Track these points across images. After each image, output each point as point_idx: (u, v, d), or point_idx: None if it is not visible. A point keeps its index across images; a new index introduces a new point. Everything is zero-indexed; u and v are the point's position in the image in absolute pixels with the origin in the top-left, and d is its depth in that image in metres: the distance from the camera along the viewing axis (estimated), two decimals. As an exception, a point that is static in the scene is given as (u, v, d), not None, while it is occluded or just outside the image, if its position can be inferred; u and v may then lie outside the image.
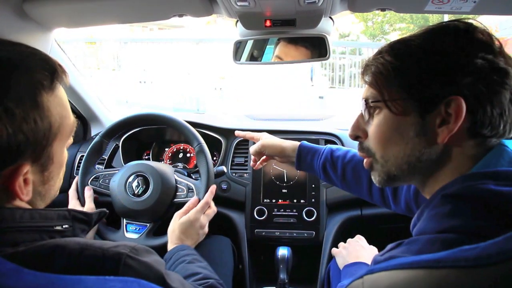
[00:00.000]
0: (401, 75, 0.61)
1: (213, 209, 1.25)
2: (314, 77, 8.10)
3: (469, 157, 0.59)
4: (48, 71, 0.57)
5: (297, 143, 1.16)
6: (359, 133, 0.72)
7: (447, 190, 0.56)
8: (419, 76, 0.59)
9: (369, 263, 0.78)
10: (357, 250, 1.16)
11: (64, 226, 0.60)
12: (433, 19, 13.93)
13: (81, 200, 1.33)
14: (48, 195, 0.65)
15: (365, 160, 0.72)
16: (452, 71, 0.57)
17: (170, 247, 1.12)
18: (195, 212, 1.18)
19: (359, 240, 1.21)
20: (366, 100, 0.67)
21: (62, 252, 0.53)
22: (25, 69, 0.54)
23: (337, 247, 1.26)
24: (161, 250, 1.07)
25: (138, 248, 0.59)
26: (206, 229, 1.20)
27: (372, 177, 0.72)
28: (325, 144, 1.56)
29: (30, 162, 0.56)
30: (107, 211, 0.75)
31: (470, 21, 0.62)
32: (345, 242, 1.26)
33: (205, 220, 1.20)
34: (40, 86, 0.55)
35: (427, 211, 0.58)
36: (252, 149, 1.22)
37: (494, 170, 0.55)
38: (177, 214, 1.19)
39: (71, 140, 0.68)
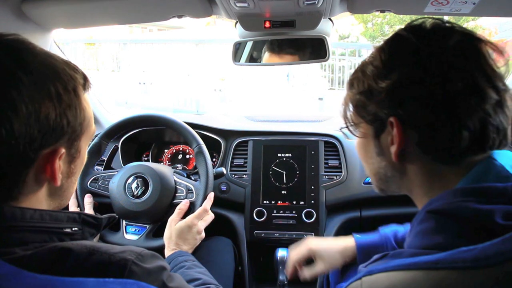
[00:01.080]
0: (353, 102, 0.67)
1: (210, 215, 1.24)
2: (290, 78, 8.47)
3: (444, 173, 0.59)
4: (81, 73, 0.63)
5: (350, 243, 1.02)
6: None
7: (431, 206, 0.56)
8: (362, 101, 0.64)
9: None
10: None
11: (73, 229, 0.61)
12: (433, 21, 13.90)
13: (81, 207, 1.32)
14: (67, 194, 0.67)
15: None
16: (387, 94, 0.59)
17: (167, 253, 1.11)
18: (192, 218, 1.17)
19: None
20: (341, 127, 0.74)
21: (69, 255, 0.53)
22: (67, 65, 0.61)
23: None
24: (160, 252, 1.07)
25: (144, 255, 0.59)
26: (203, 234, 1.20)
27: None
28: (324, 146, 1.56)
29: (65, 147, 0.60)
30: (116, 216, 0.77)
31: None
32: None
33: (202, 225, 1.19)
34: (77, 80, 0.61)
35: (414, 226, 0.58)
36: (295, 255, 1.06)
37: (477, 186, 0.54)
38: (171, 220, 1.18)
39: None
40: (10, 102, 0.51)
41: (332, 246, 1.04)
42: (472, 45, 0.58)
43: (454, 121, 0.55)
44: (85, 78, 0.64)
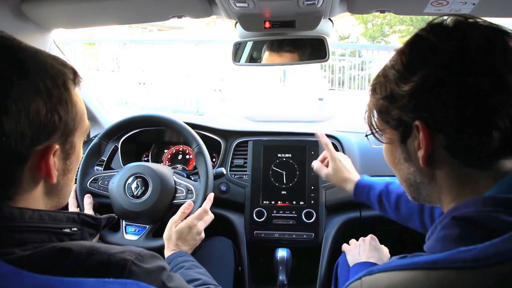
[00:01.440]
0: (377, 108, 0.65)
1: (210, 215, 1.24)
2: (285, 79, 8.50)
3: (478, 178, 0.56)
4: (70, 69, 0.63)
5: (358, 177, 1.22)
6: None
7: (458, 212, 0.54)
8: (386, 106, 0.63)
9: (380, 263, 0.77)
10: (369, 250, 1.16)
11: (73, 229, 0.61)
12: (433, 21, 13.92)
13: (81, 207, 1.32)
14: (64, 192, 0.66)
15: None
16: (410, 97, 0.58)
17: (167, 253, 1.11)
18: (192, 218, 1.17)
19: (372, 240, 1.20)
20: (366, 133, 0.74)
21: (68, 255, 0.53)
22: (55, 60, 0.60)
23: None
24: (160, 252, 1.07)
25: (144, 255, 0.59)
26: (203, 235, 1.20)
27: None
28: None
29: (59, 143, 0.60)
30: (116, 216, 0.77)
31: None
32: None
33: (202, 226, 1.19)
34: (68, 77, 0.61)
35: (437, 230, 0.56)
36: (319, 168, 1.30)
37: (509, 197, 0.51)
38: (172, 222, 1.18)
39: None
40: None
41: (344, 174, 1.24)
42: (497, 40, 0.56)
43: (483, 121, 0.53)
44: (75, 73, 0.63)
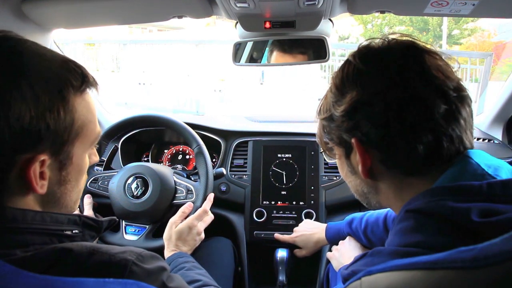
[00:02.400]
0: (321, 127, 0.71)
1: (210, 216, 1.24)
2: (264, 79, 8.71)
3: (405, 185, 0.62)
4: (80, 75, 0.60)
5: (322, 235, 1.27)
6: None
7: (410, 205, 0.57)
8: (328, 126, 0.68)
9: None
10: (350, 250, 1.16)
11: (74, 231, 0.60)
12: (433, 22, 13.99)
13: (80, 208, 1.32)
14: (63, 202, 0.63)
15: None
16: (344, 118, 0.63)
17: (167, 254, 1.11)
18: (192, 219, 1.17)
19: (350, 241, 1.20)
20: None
21: (69, 255, 0.53)
22: (58, 65, 0.57)
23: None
24: (160, 252, 1.07)
25: (144, 255, 0.59)
26: (203, 235, 1.20)
27: None
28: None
29: (49, 154, 0.56)
30: (117, 219, 0.76)
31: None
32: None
33: (202, 226, 1.19)
34: (69, 83, 0.57)
35: (394, 225, 0.59)
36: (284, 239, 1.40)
37: (454, 185, 0.55)
38: (172, 222, 1.18)
39: (97, 158, 0.73)
40: None
41: (309, 239, 1.30)
42: (413, 57, 0.60)
43: (407, 136, 0.58)
44: (83, 79, 0.60)
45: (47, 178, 0.57)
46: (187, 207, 1.22)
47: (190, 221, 1.16)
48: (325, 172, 1.53)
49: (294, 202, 1.52)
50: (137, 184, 1.29)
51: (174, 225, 1.16)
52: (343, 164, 0.70)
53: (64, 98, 0.56)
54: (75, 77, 0.58)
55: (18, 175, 0.54)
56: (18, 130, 0.51)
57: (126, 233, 1.30)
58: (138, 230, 1.30)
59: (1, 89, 0.51)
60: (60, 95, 0.56)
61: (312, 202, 1.50)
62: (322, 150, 0.76)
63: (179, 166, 1.73)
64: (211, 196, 1.27)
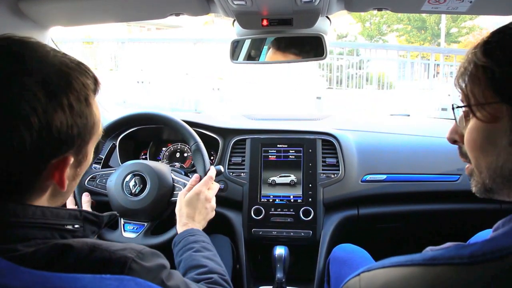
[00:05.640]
0: (491, 75, 0.53)
1: (216, 184, 1.26)
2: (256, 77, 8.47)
3: None
4: (92, 78, 0.63)
5: None
6: (456, 137, 0.65)
7: None
8: (509, 74, 0.52)
9: None
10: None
11: (75, 226, 0.62)
12: (430, 21, 14.00)
13: (79, 206, 1.32)
14: (66, 195, 0.68)
15: (466, 166, 0.65)
16: None
17: (179, 229, 1.12)
18: (199, 185, 1.19)
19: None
20: (453, 105, 0.62)
21: (70, 252, 0.54)
22: (80, 72, 0.61)
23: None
24: (159, 249, 1.07)
25: (144, 253, 0.60)
26: (213, 203, 1.21)
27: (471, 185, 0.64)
28: (322, 144, 1.57)
29: (73, 154, 0.61)
30: (117, 214, 0.78)
31: None
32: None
33: (210, 193, 1.20)
34: (89, 88, 0.61)
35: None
36: None
37: None
38: (181, 193, 1.19)
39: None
40: (23, 116, 0.52)
41: None
42: None
43: None
44: (95, 82, 0.64)
45: (67, 176, 0.61)
46: (194, 179, 1.24)
47: (197, 188, 1.18)
48: (323, 170, 1.53)
49: (292, 200, 1.52)
50: (135, 181, 1.29)
51: (182, 196, 1.18)
52: (496, 130, 0.53)
53: (88, 104, 0.61)
54: (91, 81, 0.62)
55: (46, 177, 0.58)
56: (57, 138, 0.56)
57: (124, 230, 1.30)
58: (137, 228, 1.30)
59: (45, 103, 0.54)
60: (86, 101, 0.60)
61: (310, 199, 1.50)
62: (458, 106, 0.60)
63: (177, 163, 1.73)
64: (212, 169, 1.28)
